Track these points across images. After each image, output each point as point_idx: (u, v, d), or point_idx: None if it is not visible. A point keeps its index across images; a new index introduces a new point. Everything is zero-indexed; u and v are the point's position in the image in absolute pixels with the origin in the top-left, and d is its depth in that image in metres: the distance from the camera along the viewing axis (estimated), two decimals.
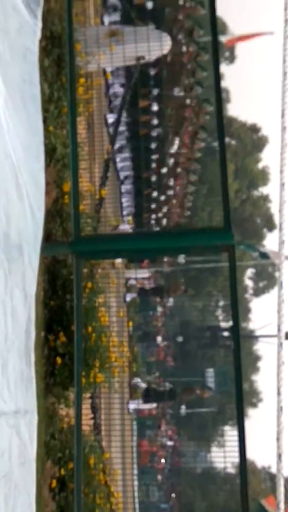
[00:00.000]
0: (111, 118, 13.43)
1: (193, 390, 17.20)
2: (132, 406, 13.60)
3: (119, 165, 14.49)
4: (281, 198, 3.37)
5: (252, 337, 33.59)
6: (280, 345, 3.10)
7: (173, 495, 20.91)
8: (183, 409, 18.41)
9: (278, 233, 3.40)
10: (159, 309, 22.72)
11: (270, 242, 41.46)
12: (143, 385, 14.77)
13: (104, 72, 12.05)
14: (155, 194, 15.04)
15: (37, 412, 5.95)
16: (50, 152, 6.88)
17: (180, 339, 26.01)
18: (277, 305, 3.23)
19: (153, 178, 15.21)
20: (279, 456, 2.73)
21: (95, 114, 11.19)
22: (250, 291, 43.85)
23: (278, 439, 2.84)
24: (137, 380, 14.18)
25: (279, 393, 2.95)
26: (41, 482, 6.74)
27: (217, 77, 5.41)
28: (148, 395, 15.24)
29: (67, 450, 7.08)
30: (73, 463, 6.35)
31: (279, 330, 3.03)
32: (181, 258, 17.49)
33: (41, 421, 6.71)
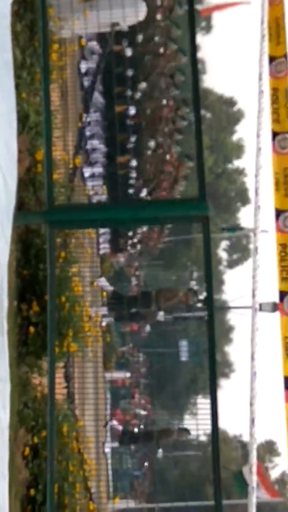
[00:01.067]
0: (83, 68, 13.23)
1: (171, 433, 16.74)
2: (102, 282, 13.23)
3: (90, 131, 14.26)
4: (257, 163, 3.39)
5: (225, 309, 33.90)
6: (254, 310, 3.14)
7: (146, 463, 21.22)
8: (160, 453, 18.07)
9: (254, 198, 3.43)
10: (133, 280, 22.79)
11: (244, 216, 41.69)
12: (110, 287, 14.34)
13: (79, 38, 11.87)
14: (132, 162, 14.84)
15: (10, 380, 5.95)
16: (23, 120, 6.79)
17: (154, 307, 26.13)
18: (252, 270, 3.26)
19: (130, 145, 15.02)
20: (252, 420, 2.78)
21: (69, 82, 11.05)
22: (224, 263, 44.14)
23: (251, 404, 2.89)
24: (103, 282, 13.62)
25: (253, 359, 2.99)
26: (14, 450, 6.79)
27: (193, 48, 5.37)
28: (124, 438, 14.76)
29: (40, 419, 7.12)
30: (46, 431, 6.40)
31: (253, 296, 3.07)
32: (161, 317, 16.86)
33: (14, 390, 6.73)
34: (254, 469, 2.96)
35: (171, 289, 16.30)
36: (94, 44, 13.66)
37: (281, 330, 3.77)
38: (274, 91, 3.80)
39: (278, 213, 3.85)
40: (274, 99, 3.81)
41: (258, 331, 3.16)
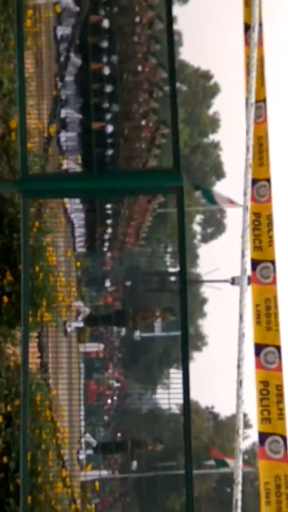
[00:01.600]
0: (59, 33, 13.03)
1: (144, 444, 16.57)
2: (74, 325, 13.31)
3: (65, 98, 14.02)
4: (248, 119, 3.38)
5: (198, 282, 34.09)
6: (243, 271, 3.16)
7: (118, 434, 21.45)
8: (134, 465, 17.87)
9: (245, 155, 3.43)
10: (108, 253, 22.76)
11: (218, 189, 41.71)
12: (86, 309, 14.45)
13: (54, 4, 11.65)
14: (108, 128, 14.60)
15: None
16: None
17: (128, 283, 26.17)
18: (242, 223, 3.26)
19: (106, 115, 14.79)
20: (240, 382, 2.81)
21: (43, 49, 10.88)
22: (198, 237, 44.29)
23: (239, 366, 2.92)
24: (79, 304, 13.82)
25: (241, 320, 3.03)
26: None
27: (169, 17, 5.33)
28: (97, 448, 14.53)
29: (14, 388, 7.14)
30: (20, 400, 6.43)
31: (243, 256, 3.07)
32: (137, 336, 16.63)
33: None
34: (241, 432, 3.00)
35: (147, 308, 16.42)
36: (70, 3, 13.42)
37: (252, 298, 3.81)
38: (256, 216, 3.78)
39: (254, 182, 3.87)
40: (256, 225, 3.79)
41: (247, 292, 3.19)
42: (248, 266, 3.84)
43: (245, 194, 3.73)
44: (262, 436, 3.57)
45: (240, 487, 2.94)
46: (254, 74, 3.68)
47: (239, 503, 2.86)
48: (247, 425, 36.88)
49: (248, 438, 35.92)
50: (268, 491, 3.46)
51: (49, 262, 7.71)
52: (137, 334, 16.10)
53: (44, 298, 7.46)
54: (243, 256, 3.59)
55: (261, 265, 3.94)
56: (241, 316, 3.16)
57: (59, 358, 10.80)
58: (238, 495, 2.92)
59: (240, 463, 3.10)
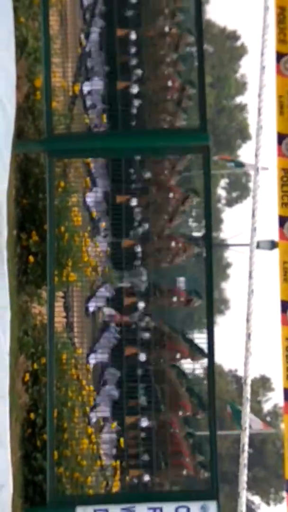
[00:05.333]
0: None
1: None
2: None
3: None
4: (261, 82, 3.36)
5: (223, 246, 34.02)
6: (253, 229, 3.18)
7: None
8: None
9: (257, 118, 3.41)
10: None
11: (244, 153, 41.29)
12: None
13: None
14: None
15: (10, 309, 6.01)
16: (21, 45, 6.65)
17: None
18: (252, 191, 3.27)
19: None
20: (248, 335, 2.87)
21: (68, 6, 10.75)
22: (223, 201, 44.02)
23: (247, 320, 2.98)
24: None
25: (250, 277, 3.07)
26: (14, 376, 6.94)
27: None
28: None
29: (40, 346, 7.25)
30: (46, 358, 6.53)
31: (253, 216, 3.10)
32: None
33: (14, 318, 6.82)
34: (249, 381, 3.06)
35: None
36: None
37: (280, 255, 3.80)
38: (281, 9, 3.68)
39: (281, 137, 3.81)
40: (281, 19, 3.69)
41: (256, 251, 3.23)
42: (257, 225, 3.84)
43: (256, 155, 3.73)
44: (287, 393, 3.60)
45: (247, 433, 3.04)
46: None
47: (246, 447, 2.96)
48: (269, 388, 37.14)
49: (270, 401, 36.17)
50: None
51: (74, 222, 7.74)
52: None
53: (70, 258, 7.51)
54: (253, 215, 3.60)
55: None
56: (250, 273, 3.22)
57: (84, 318, 10.91)
58: (245, 439, 3.01)
59: (248, 410, 3.18)
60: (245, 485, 3.12)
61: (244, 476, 3.09)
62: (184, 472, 13.78)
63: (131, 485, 12.34)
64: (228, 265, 42.18)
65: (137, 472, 12.41)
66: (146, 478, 12.53)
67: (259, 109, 3.37)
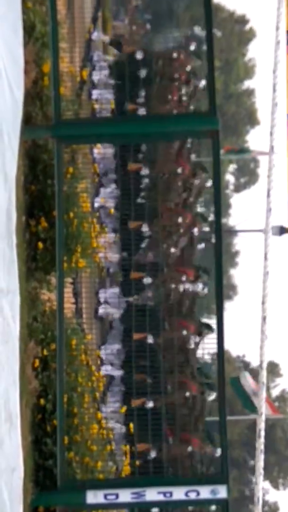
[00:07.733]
0: None
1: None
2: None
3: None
4: (276, 57, 3.35)
5: (232, 232, 33.92)
6: (268, 210, 3.16)
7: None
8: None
9: (272, 95, 3.40)
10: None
11: (252, 138, 41.05)
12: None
13: None
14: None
15: (19, 294, 6.00)
16: (28, 30, 6.60)
17: None
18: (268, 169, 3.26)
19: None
20: (264, 318, 2.86)
21: None
22: (231, 187, 43.85)
23: (263, 303, 2.97)
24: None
25: (265, 259, 3.06)
26: (25, 361, 6.96)
27: None
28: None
29: (49, 332, 7.27)
30: (56, 344, 6.55)
31: (268, 195, 3.08)
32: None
33: (24, 304, 6.83)
34: (264, 365, 3.05)
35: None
36: None
37: None
38: None
39: None
40: None
41: (270, 233, 3.21)
42: (274, 205, 3.83)
43: (271, 134, 3.69)
44: None
45: (263, 417, 3.03)
46: None
47: (262, 433, 2.96)
48: (278, 374, 37.15)
49: (278, 386, 36.20)
50: None
51: (83, 209, 7.73)
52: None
53: (79, 244, 7.50)
54: (268, 195, 3.59)
55: None
56: (265, 255, 3.21)
57: (94, 303, 10.91)
58: (261, 424, 3.02)
59: (264, 395, 3.17)
60: (262, 471, 3.09)
61: (261, 462, 3.05)
62: (190, 449, 13.82)
63: (141, 470, 12.37)
64: (236, 252, 42.07)
65: (144, 446, 12.36)
66: (153, 454, 12.50)
67: (274, 85, 3.34)
